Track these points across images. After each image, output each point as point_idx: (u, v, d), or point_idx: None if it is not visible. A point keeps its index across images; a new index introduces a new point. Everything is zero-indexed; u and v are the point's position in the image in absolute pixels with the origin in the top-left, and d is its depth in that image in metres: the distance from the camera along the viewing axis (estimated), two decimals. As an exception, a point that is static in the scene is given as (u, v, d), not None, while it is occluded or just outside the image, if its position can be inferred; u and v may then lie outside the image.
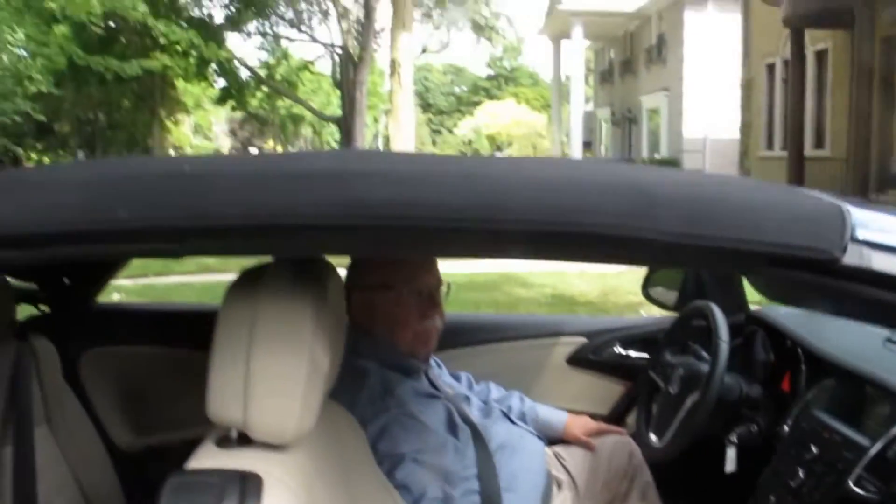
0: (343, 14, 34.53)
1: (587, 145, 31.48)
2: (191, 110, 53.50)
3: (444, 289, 1.90)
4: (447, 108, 77.68)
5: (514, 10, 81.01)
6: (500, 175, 0.93)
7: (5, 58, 15.62)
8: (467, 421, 1.82)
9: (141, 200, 0.87)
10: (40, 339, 2.01)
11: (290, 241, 0.94)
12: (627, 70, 30.97)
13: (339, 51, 35.38)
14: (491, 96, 70.54)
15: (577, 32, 28.84)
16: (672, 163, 24.30)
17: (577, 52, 29.99)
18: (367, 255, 1.70)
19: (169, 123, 46.54)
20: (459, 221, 0.87)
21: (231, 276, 1.17)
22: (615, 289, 8.23)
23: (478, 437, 1.79)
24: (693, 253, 0.96)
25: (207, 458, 1.06)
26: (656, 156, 26.62)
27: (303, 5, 36.62)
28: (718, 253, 0.94)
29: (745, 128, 20.50)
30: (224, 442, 1.09)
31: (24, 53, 16.94)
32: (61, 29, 15.97)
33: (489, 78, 77.13)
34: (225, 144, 75.26)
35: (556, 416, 2.20)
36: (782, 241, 0.90)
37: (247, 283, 1.12)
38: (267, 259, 1.20)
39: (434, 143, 76.11)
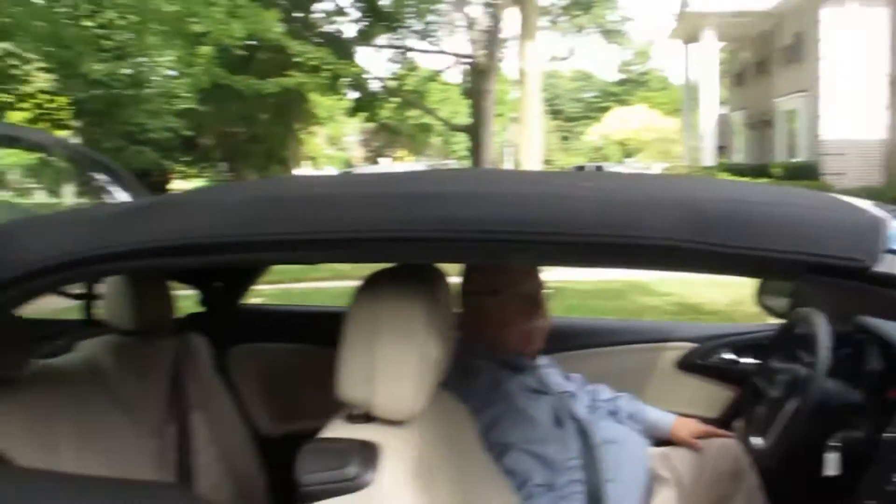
0: (471, 24, 34.89)
1: (721, 150, 30.47)
2: (324, 122, 55.27)
3: (548, 293, 2.04)
4: (576, 115, 76.89)
5: (643, 14, 79.33)
6: (572, 194, 1.08)
7: (156, 79, 16.69)
8: (573, 416, 1.95)
9: (284, 218, 1.05)
10: (195, 335, 2.33)
11: (409, 251, 1.10)
12: (762, 71, 29.80)
13: (466, 61, 35.74)
14: (621, 101, 69.33)
15: (708, 34, 27.99)
16: (810, 167, 23.29)
17: (709, 54, 29.09)
18: (474, 263, 1.86)
19: (304, 136, 48.24)
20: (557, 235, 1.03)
21: (355, 283, 1.35)
22: (745, 298, 8.04)
23: (583, 432, 1.91)
24: (740, 262, 1.08)
25: (337, 430, 1.27)
26: (794, 160, 25.46)
27: (431, 17, 37.22)
28: (760, 262, 1.05)
29: (894, 128, 19.41)
30: (352, 418, 1.29)
31: (172, 73, 18.06)
32: (205, 50, 16.81)
33: (619, 83, 75.85)
34: (357, 154, 77.29)
35: (663, 418, 2.28)
36: (820, 251, 1.00)
37: (371, 285, 1.31)
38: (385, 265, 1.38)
39: (564, 150, 75.62)
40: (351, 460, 1.14)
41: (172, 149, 30.66)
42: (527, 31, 22.10)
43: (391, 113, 44.01)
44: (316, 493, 1.12)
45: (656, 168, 33.12)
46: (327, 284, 9.78)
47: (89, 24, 14.17)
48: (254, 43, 13.91)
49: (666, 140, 31.72)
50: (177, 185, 44.11)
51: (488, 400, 1.80)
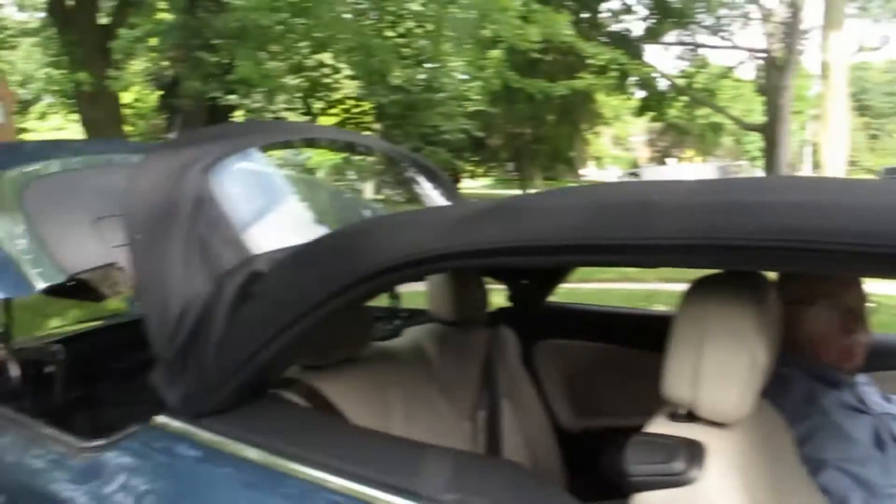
0: (766, 17, 32.95)
1: None
2: (610, 122, 55.03)
3: (870, 306, 1.87)
4: (888, 110, 70.09)
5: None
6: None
7: (450, 83, 17.55)
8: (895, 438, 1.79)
9: (624, 223, 1.10)
10: (505, 328, 2.50)
11: (741, 258, 1.10)
12: None
13: (761, 55, 33.85)
14: (943, 94, 62.31)
15: None
16: None
17: None
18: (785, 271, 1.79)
19: (589, 136, 48.39)
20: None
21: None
22: None
23: None
24: None
25: (660, 426, 1.32)
26: None
27: (723, 11, 35.69)
28: None
29: None
30: (674, 416, 1.33)
31: (464, 77, 18.91)
32: (495, 53, 17.38)
33: (941, 73, 68.10)
34: (643, 155, 76.09)
35: None
36: None
37: (701, 289, 1.33)
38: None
39: (872, 149, 69.12)
40: (678, 456, 1.18)
41: (462, 149, 32.09)
42: (831, 20, 20.43)
43: (679, 112, 42.88)
44: (643, 483, 1.19)
45: None
46: (613, 286, 9.89)
47: (391, 34, 15.20)
48: (540, 45, 14.09)
49: None
50: (465, 183, 46.11)
51: (803, 412, 1.69)
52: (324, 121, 32.52)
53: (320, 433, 1.39)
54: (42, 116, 34.13)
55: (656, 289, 9.68)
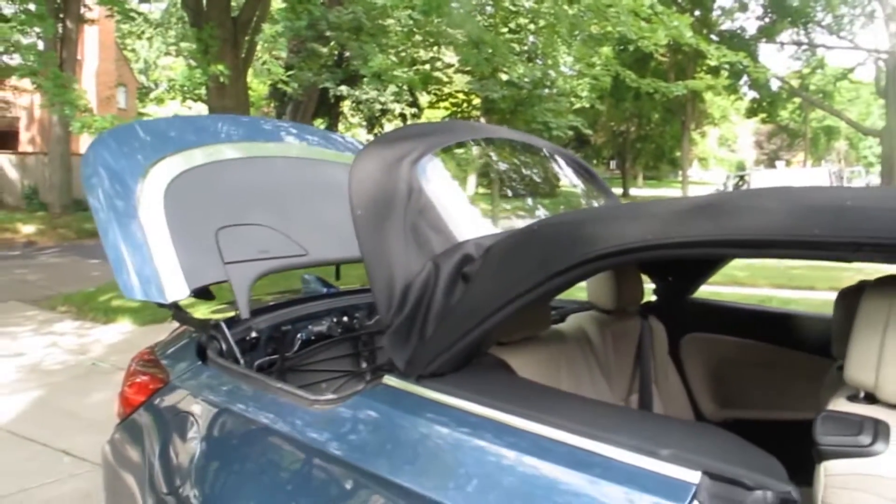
0: (891, 15, 31.69)
1: None
2: (718, 123, 53.87)
3: None
4: None
5: None
6: None
7: (560, 80, 17.63)
8: None
9: (821, 222, 1.24)
10: (655, 320, 2.70)
11: None
12: None
13: (884, 56, 32.52)
14: None
15: None
16: None
17: None
18: None
19: (696, 136, 47.49)
20: None
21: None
22: None
23: None
24: None
25: (843, 406, 1.42)
26: None
27: (843, 9, 34.45)
28: None
29: None
30: (853, 398, 1.44)
31: (571, 73, 18.89)
32: (605, 50, 17.31)
33: None
34: (749, 157, 74.02)
35: None
36: None
37: (880, 287, 1.45)
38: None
39: None
40: (865, 430, 1.30)
41: (566, 145, 32.08)
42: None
43: (791, 114, 41.72)
44: (831, 452, 1.31)
45: None
46: (723, 289, 9.90)
47: (504, 29, 15.37)
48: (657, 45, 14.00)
49: None
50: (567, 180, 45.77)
51: None
52: (432, 113, 33.04)
53: (531, 393, 1.58)
54: (160, 101, 35.74)
55: (768, 294, 9.60)
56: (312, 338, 2.60)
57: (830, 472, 1.30)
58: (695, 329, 2.86)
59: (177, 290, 2.06)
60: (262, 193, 2.58)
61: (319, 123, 26.09)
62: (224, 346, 2.09)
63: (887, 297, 1.39)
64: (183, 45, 14.49)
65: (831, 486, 1.29)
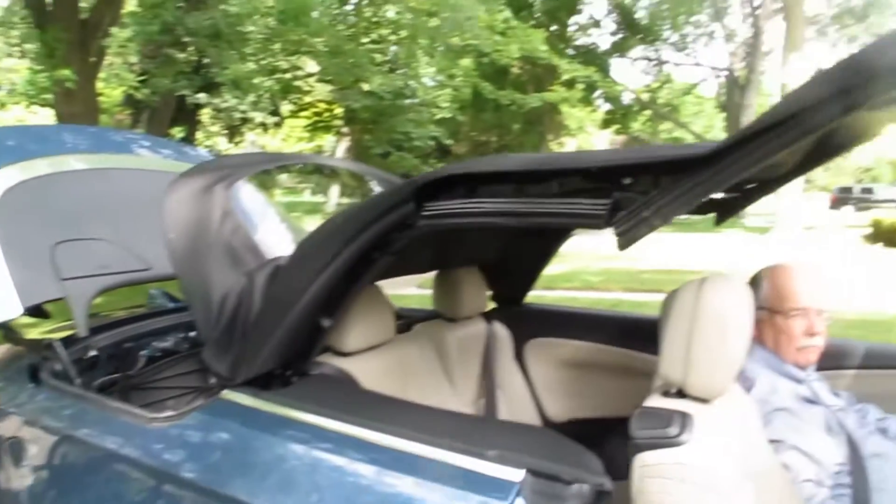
0: (730, 36, 33.69)
1: None
2: (574, 134, 55.65)
3: (827, 315, 2.18)
4: (842, 131, 71.64)
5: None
6: None
7: (421, 91, 17.78)
8: (843, 426, 2.07)
9: None
10: (500, 325, 2.80)
11: None
12: None
13: (724, 73, 34.57)
14: (896, 117, 63.69)
15: None
16: None
17: None
18: None
19: (554, 146, 48.87)
20: None
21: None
22: None
23: (852, 443, 2.03)
24: None
25: (656, 402, 1.58)
26: None
27: (688, 29, 36.38)
28: None
29: None
30: (666, 394, 1.60)
31: (433, 84, 19.09)
32: (465, 62, 17.60)
33: (894, 97, 69.70)
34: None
35: None
36: None
37: (687, 291, 1.59)
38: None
39: (826, 169, 70.54)
40: (673, 423, 1.45)
41: (428, 155, 32.36)
42: (791, 43, 21.04)
43: (643, 126, 43.54)
44: (644, 444, 1.44)
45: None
46: (578, 294, 10.29)
47: (365, 40, 15.38)
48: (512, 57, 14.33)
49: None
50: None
51: (767, 401, 1.99)
52: (293, 123, 32.60)
53: (369, 403, 1.63)
54: (1, 106, 33.56)
55: (620, 298, 10.01)
56: (157, 354, 2.53)
57: (643, 462, 1.43)
58: (538, 334, 2.97)
59: (9, 309, 1.97)
60: (106, 207, 2.49)
61: (178, 132, 25.24)
62: (59, 367, 2.01)
63: (693, 297, 1.53)
64: (27, 46, 13.74)
65: (644, 475, 1.42)
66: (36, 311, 2.11)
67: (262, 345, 1.62)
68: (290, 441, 1.45)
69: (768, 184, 2.14)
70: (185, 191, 1.89)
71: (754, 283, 2.19)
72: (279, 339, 1.61)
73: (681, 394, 1.58)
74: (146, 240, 2.42)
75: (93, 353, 2.23)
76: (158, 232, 2.50)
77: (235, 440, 1.51)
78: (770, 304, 2.14)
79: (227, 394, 1.61)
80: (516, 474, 1.21)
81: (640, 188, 1.34)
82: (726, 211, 2.31)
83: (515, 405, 2.75)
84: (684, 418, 1.46)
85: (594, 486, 1.20)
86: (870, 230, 19.97)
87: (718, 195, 2.29)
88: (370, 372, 2.01)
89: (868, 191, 39.09)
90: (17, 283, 2.01)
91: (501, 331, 2.84)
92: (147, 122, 20.01)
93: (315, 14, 10.51)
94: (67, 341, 2.14)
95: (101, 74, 13.30)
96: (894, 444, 2.16)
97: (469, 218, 1.49)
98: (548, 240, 2.90)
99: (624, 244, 1.31)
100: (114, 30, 8.31)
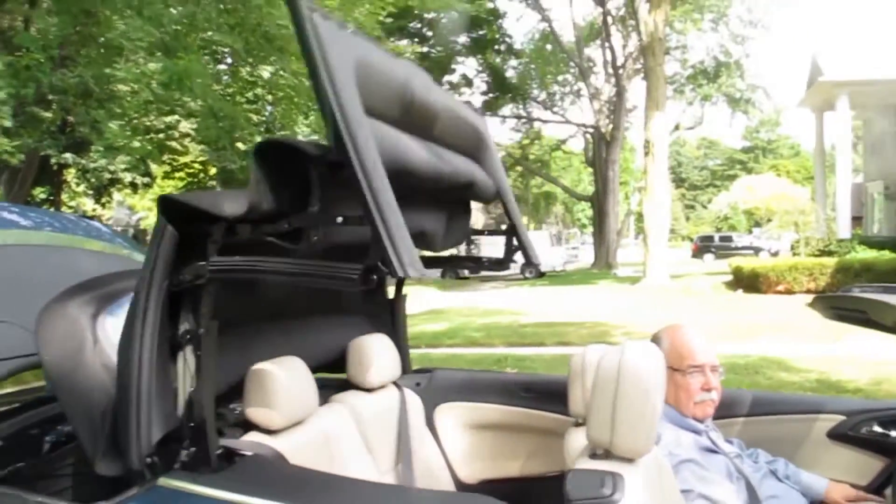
0: (595, 94, 35.28)
1: (857, 220, 29.19)
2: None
3: (721, 371, 2.38)
4: (700, 183, 75.64)
5: (771, 82, 77.30)
6: None
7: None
8: (741, 473, 2.24)
9: None
10: (410, 393, 2.88)
11: None
12: (901, 140, 28.55)
13: (590, 130, 36.07)
14: (748, 169, 67.63)
15: (842, 103, 26.76)
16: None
17: (843, 123, 27.98)
18: None
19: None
20: None
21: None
22: (888, 377, 7.76)
23: (750, 487, 2.20)
24: None
25: (585, 464, 1.70)
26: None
27: (555, 87, 37.89)
28: None
29: None
30: (594, 455, 1.73)
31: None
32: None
33: (745, 150, 74.07)
34: (479, 220, 78.38)
35: (817, 482, 2.49)
36: None
37: (610, 358, 1.71)
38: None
39: (688, 218, 74.27)
40: (605, 484, 1.57)
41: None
42: (652, 102, 22.20)
43: (515, 181, 44.75)
44: None
45: (787, 238, 32.11)
46: (462, 351, 10.39)
47: (241, 100, 15.27)
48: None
49: (798, 210, 30.53)
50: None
51: (673, 453, 2.13)
52: (166, 184, 31.80)
53: (307, 483, 1.68)
54: None
55: (504, 352, 10.17)
56: (63, 439, 2.43)
57: None
58: (446, 399, 3.07)
59: None
60: (4, 286, 2.40)
61: (40, 193, 24.20)
62: None
63: (616, 364, 1.67)
64: None
65: None
66: None
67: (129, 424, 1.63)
68: None
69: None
70: (57, 317, 1.90)
71: (654, 342, 2.33)
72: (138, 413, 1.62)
73: (607, 455, 1.69)
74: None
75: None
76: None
77: None
78: (670, 363, 2.28)
79: (165, 480, 1.58)
80: None
81: None
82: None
83: (429, 470, 2.79)
84: (615, 478, 1.58)
85: None
86: (730, 277, 21.09)
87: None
88: (297, 448, 2.01)
89: (727, 239, 41.35)
90: None
91: (412, 397, 2.89)
92: (7, 183, 19.00)
93: (198, 80, 10.31)
94: None
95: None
96: (784, 485, 2.33)
97: (250, 274, 1.59)
98: None
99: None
100: None
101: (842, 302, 2.81)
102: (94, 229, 3.12)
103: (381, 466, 2.54)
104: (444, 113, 2.13)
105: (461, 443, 3.04)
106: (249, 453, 1.71)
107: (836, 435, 2.66)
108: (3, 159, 8.99)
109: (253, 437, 2.02)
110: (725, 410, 2.64)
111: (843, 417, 2.66)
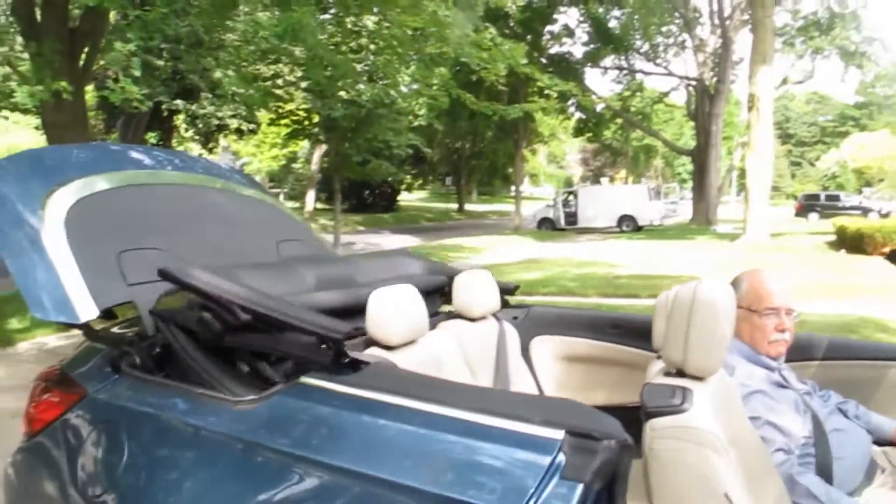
0: (700, 46, 34.30)
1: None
2: (547, 141, 56.17)
3: (795, 315, 2.55)
4: (809, 139, 72.77)
5: (890, 34, 73.08)
6: None
7: (400, 100, 17.97)
8: (808, 406, 2.43)
9: None
10: (509, 325, 3.23)
11: None
12: None
13: (694, 83, 35.18)
14: (860, 126, 64.63)
15: None
16: None
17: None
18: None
19: (527, 153, 49.34)
20: None
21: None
22: None
23: (816, 420, 2.39)
24: None
25: (660, 379, 1.96)
26: None
27: (659, 39, 36.97)
28: None
29: None
30: (668, 374, 1.99)
31: (408, 91, 19.28)
32: (443, 71, 17.74)
33: (859, 105, 70.51)
34: (577, 173, 77.72)
35: (886, 423, 2.65)
36: None
37: (686, 290, 1.95)
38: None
39: (793, 175, 71.77)
40: (676, 395, 1.82)
41: (403, 162, 32.54)
42: (759, 55, 21.50)
43: (614, 134, 44.13)
44: (655, 412, 1.81)
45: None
46: (556, 299, 10.61)
47: (344, 49, 15.58)
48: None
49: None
50: (403, 196, 46.75)
51: (745, 384, 2.33)
52: (272, 130, 32.65)
53: (430, 384, 1.94)
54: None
55: (598, 302, 10.34)
56: None
57: (654, 426, 1.80)
58: (540, 332, 3.43)
59: (87, 311, 2.20)
60: (156, 219, 2.74)
61: (151, 137, 25.27)
62: (139, 360, 2.25)
63: (691, 295, 1.91)
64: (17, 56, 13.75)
65: (654, 437, 1.79)
66: (106, 314, 2.34)
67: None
68: (370, 415, 1.71)
69: None
70: None
71: (734, 284, 2.52)
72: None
73: (680, 374, 1.93)
74: (192, 249, 2.67)
75: (158, 349, 2.46)
76: (202, 242, 2.77)
77: (320, 416, 1.79)
78: (747, 304, 2.50)
79: (305, 379, 1.88)
80: (558, 433, 1.48)
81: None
82: None
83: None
84: (685, 391, 1.82)
85: (619, 441, 1.46)
86: (833, 237, 20.44)
87: None
88: (410, 363, 2.29)
89: (834, 198, 39.97)
90: (91, 288, 2.24)
91: (510, 329, 3.21)
92: (122, 127, 19.96)
93: (309, 32, 10.62)
94: (138, 339, 2.37)
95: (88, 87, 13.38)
96: (852, 423, 2.52)
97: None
98: None
99: None
100: (117, 44, 8.40)
101: None
102: (215, 167, 3.47)
103: (481, 385, 2.86)
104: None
105: (552, 372, 3.39)
106: (371, 361, 1.99)
107: None
108: (134, 106, 9.46)
109: (373, 351, 2.37)
110: (802, 353, 2.85)
111: None
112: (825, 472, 2.27)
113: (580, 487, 1.39)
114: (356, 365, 1.94)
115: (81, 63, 10.94)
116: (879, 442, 2.59)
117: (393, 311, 2.39)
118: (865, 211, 35.61)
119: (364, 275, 2.93)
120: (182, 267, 2.13)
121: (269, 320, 2.00)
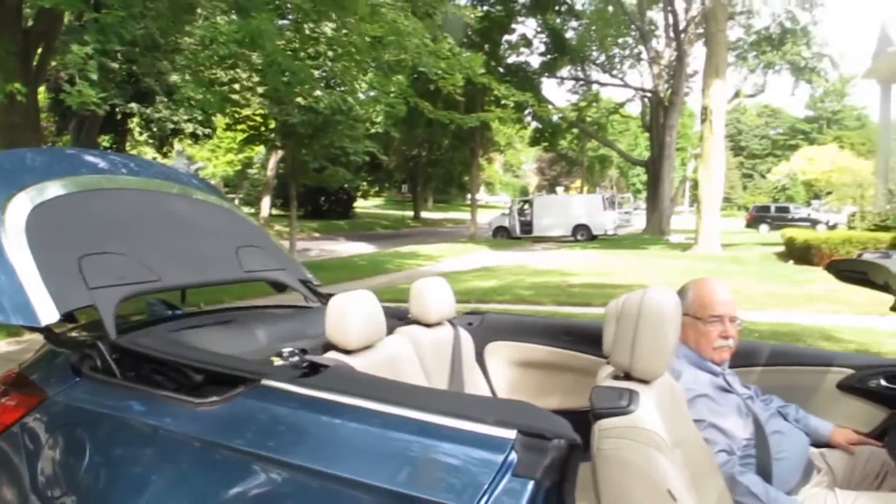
0: (655, 58, 34.85)
1: (921, 196, 28.40)
2: (503, 150, 56.54)
3: (739, 322, 2.66)
4: (760, 152, 74.12)
5: (838, 50, 74.92)
6: None
7: (357, 107, 17.98)
8: (750, 410, 2.54)
9: None
10: (463, 331, 3.27)
11: None
12: (970, 114, 27.76)
13: (649, 94, 35.69)
14: (810, 140, 66.04)
15: None
16: None
17: (911, 95, 27.33)
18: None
19: (483, 161, 49.56)
20: None
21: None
22: (929, 348, 7.80)
23: (757, 423, 2.50)
24: None
25: (608, 383, 2.02)
26: None
27: (615, 50, 37.49)
28: None
29: None
30: (616, 377, 2.04)
31: (365, 98, 19.30)
32: (401, 79, 17.74)
33: (808, 119, 72.29)
34: (533, 182, 78.24)
35: (823, 425, 2.80)
36: None
37: (635, 296, 2.02)
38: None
39: (745, 187, 73.02)
40: (623, 397, 1.88)
41: (360, 169, 32.49)
42: (712, 68, 21.94)
43: (570, 143, 44.54)
44: (603, 413, 1.86)
45: (847, 212, 31.47)
46: (511, 307, 10.71)
47: (302, 55, 15.53)
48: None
49: (858, 183, 29.66)
50: (359, 202, 46.64)
51: (690, 388, 2.42)
52: (228, 136, 32.37)
53: (386, 387, 1.98)
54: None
55: (552, 310, 10.45)
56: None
57: (601, 427, 1.87)
58: (495, 339, 3.53)
59: (48, 314, 2.21)
60: (116, 224, 2.74)
61: (104, 141, 24.94)
62: (100, 363, 2.26)
63: (638, 301, 1.99)
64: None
65: (602, 436, 1.86)
66: (67, 317, 2.34)
67: None
68: (329, 416, 1.77)
69: None
70: None
71: (681, 293, 2.63)
72: None
73: (627, 377, 2.00)
74: (152, 254, 2.69)
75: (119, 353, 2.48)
76: (161, 247, 2.78)
77: (280, 416, 1.84)
78: (693, 312, 2.61)
79: (266, 381, 1.93)
80: (510, 433, 1.54)
81: None
82: None
83: None
84: (632, 394, 1.88)
85: (569, 440, 1.53)
86: (783, 248, 20.92)
87: None
88: (368, 367, 2.36)
89: (784, 210, 40.80)
90: (52, 291, 2.24)
91: (465, 335, 3.27)
92: (75, 130, 19.68)
93: (269, 39, 10.56)
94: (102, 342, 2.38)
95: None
96: (791, 425, 2.65)
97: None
98: None
99: None
100: (74, 47, 8.26)
101: (849, 265, 3.07)
102: (172, 171, 3.49)
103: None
104: None
105: (507, 377, 3.48)
106: (330, 365, 2.04)
107: (845, 386, 2.95)
108: (90, 110, 9.34)
109: (332, 354, 2.42)
110: (745, 359, 2.97)
111: (852, 371, 2.95)
112: (765, 472, 2.37)
113: (531, 484, 1.45)
114: (315, 368, 2.00)
115: (35, 64, 10.83)
116: (817, 444, 2.73)
117: (351, 316, 2.45)
118: (814, 223, 36.50)
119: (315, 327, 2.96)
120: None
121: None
